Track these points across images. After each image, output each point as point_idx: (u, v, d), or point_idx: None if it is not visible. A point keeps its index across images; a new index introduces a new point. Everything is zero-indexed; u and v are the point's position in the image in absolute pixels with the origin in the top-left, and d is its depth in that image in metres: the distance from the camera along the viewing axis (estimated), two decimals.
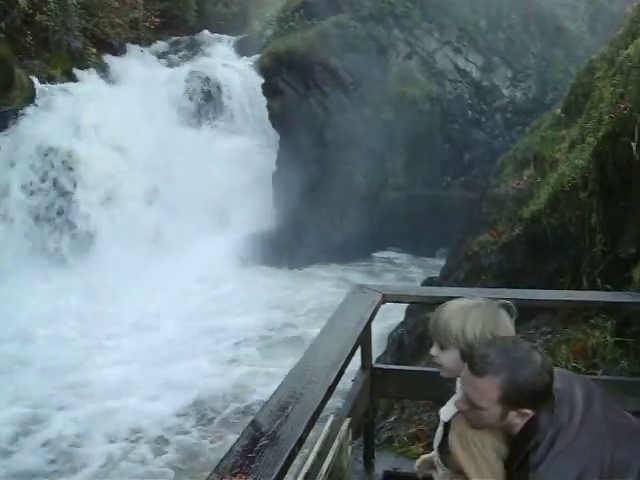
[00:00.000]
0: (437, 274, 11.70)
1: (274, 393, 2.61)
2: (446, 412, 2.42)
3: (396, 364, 8.45)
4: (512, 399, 2.17)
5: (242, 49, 21.61)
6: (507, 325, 2.36)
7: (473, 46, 19.79)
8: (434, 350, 2.42)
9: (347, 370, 3.03)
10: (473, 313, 2.33)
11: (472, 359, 2.20)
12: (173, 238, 16.13)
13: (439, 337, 2.37)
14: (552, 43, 20.71)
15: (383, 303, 3.59)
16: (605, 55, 9.93)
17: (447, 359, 2.38)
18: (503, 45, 20.18)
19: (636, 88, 6.04)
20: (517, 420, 2.21)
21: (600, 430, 2.20)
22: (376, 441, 4.98)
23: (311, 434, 2.48)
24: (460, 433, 2.27)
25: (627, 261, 5.62)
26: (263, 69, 18.24)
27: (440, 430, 2.47)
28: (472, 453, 2.23)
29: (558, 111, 12.80)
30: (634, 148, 5.67)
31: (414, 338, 8.72)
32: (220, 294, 14.59)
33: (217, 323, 13.12)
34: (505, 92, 20.01)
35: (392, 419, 6.98)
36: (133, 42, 20.79)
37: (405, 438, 5.47)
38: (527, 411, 2.19)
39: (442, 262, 13.35)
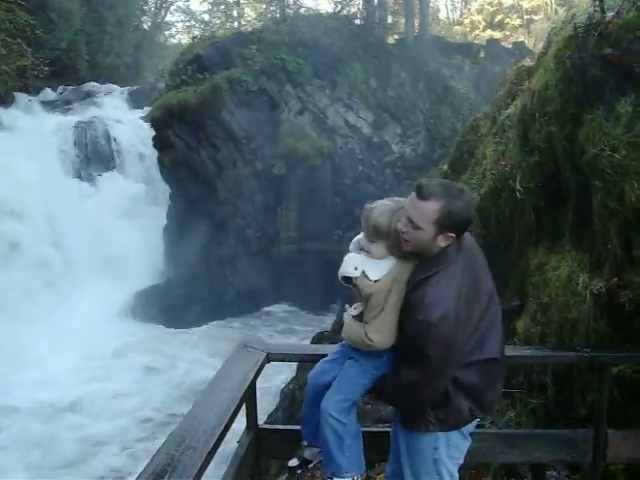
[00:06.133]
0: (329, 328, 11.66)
1: (150, 461, 2.45)
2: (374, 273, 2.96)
3: (288, 420, 8.32)
4: (445, 223, 2.71)
5: (134, 100, 21.40)
6: None
7: (364, 103, 20.30)
8: (365, 243, 3.03)
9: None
10: (396, 216, 2.89)
11: (419, 188, 2.74)
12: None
13: (369, 234, 2.97)
14: (440, 101, 21.51)
15: (268, 362, 3.50)
16: (488, 114, 10.31)
17: (376, 249, 2.96)
18: (393, 102, 20.78)
19: (515, 147, 6.26)
20: (442, 243, 2.76)
21: (474, 256, 2.91)
22: None
23: None
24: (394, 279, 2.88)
25: (511, 313, 5.74)
26: (154, 122, 18.03)
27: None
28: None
29: (445, 167, 13.17)
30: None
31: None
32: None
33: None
34: (395, 148, 20.56)
35: (284, 477, 6.83)
36: (21, 90, 20.16)
37: None
38: (452, 235, 2.74)
39: (334, 315, 13.32)
